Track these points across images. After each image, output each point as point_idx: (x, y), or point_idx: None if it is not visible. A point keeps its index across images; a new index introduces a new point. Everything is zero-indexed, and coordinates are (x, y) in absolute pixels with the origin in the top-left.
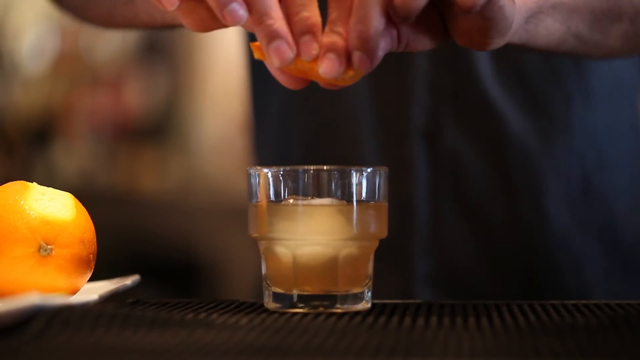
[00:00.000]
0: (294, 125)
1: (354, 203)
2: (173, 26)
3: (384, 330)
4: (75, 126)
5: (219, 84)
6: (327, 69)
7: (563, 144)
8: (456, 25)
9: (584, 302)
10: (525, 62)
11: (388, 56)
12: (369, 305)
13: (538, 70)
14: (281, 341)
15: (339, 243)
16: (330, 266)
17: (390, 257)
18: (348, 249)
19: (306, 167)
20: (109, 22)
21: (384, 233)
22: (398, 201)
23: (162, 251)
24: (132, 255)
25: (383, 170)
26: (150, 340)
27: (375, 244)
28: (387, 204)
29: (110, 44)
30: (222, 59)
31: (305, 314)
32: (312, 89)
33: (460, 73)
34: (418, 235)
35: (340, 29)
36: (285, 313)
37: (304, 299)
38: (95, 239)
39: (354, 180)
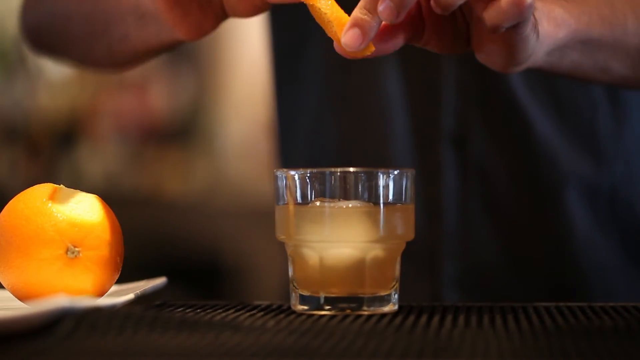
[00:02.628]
0: (323, 128)
1: (381, 205)
2: (169, 46)
3: (411, 332)
4: (101, 129)
5: (244, 87)
6: (349, 41)
7: (589, 150)
8: (479, 42)
9: (611, 304)
10: None
11: (417, 60)
12: (396, 307)
13: None
14: (308, 343)
15: (366, 245)
16: (357, 268)
17: (419, 261)
18: (375, 251)
19: (333, 169)
20: (111, 62)
21: (411, 235)
22: (427, 205)
23: (187, 253)
24: (157, 257)
25: (410, 172)
26: (178, 343)
27: (402, 246)
28: (414, 206)
29: None
30: (246, 62)
31: (332, 316)
32: (342, 94)
33: (489, 77)
34: (446, 239)
35: (371, 9)
36: (312, 315)
37: (330, 301)
38: (122, 241)
39: (381, 182)
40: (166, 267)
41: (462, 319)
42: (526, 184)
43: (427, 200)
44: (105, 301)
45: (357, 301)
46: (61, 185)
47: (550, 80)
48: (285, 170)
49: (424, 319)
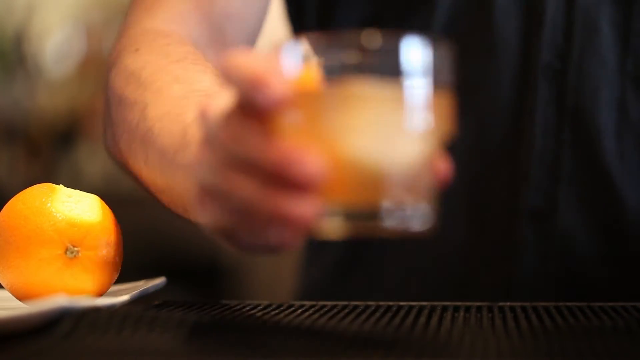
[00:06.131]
0: None
1: (409, 88)
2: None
3: (410, 331)
4: (100, 129)
5: None
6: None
7: None
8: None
9: (610, 304)
10: None
11: (504, 132)
12: (429, 226)
13: None
14: (307, 342)
15: (389, 140)
16: (378, 170)
17: None
18: (403, 148)
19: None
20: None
21: (448, 127)
22: (500, 283)
23: (187, 253)
24: (157, 257)
25: (446, 46)
26: (177, 342)
27: (436, 144)
28: (451, 92)
29: None
30: None
31: (332, 315)
32: None
33: (583, 151)
34: None
35: None
36: (313, 313)
37: (344, 213)
38: (121, 241)
39: (410, 57)
40: (165, 267)
41: (462, 318)
42: (613, 262)
43: (500, 277)
44: (104, 301)
45: (378, 214)
46: (60, 185)
47: None
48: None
49: (423, 318)
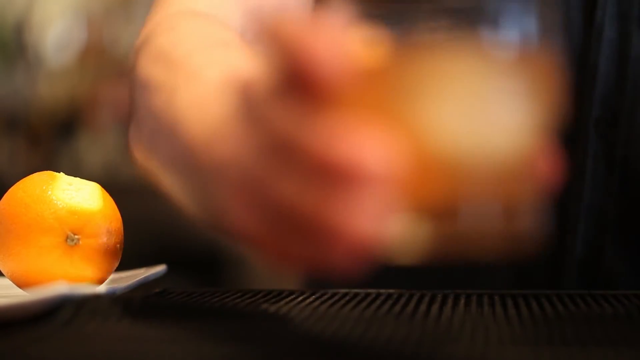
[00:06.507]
0: None
1: (507, 61)
2: None
3: (411, 319)
4: (101, 118)
5: None
6: None
7: None
8: None
9: (611, 292)
10: None
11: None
12: (535, 241)
13: None
14: (308, 330)
15: (484, 126)
16: (471, 167)
17: None
18: (500, 137)
19: None
20: None
21: (555, 111)
22: None
23: (187, 241)
24: (158, 245)
25: (555, 7)
26: (178, 330)
27: (542, 133)
28: (560, 66)
29: (135, 36)
30: None
31: (333, 303)
32: None
33: (631, 203)
34: None
35: None
36: (314, 300)
37: (428, 223)
38: (122, 229)
39: (511, 20)
40: (166, 255)
41: (462, 305)
42: None
43: None
44: (104, 288)
45: (470, 224)
46: (61, 173)
47: None
48: None
49: (424, 305)
